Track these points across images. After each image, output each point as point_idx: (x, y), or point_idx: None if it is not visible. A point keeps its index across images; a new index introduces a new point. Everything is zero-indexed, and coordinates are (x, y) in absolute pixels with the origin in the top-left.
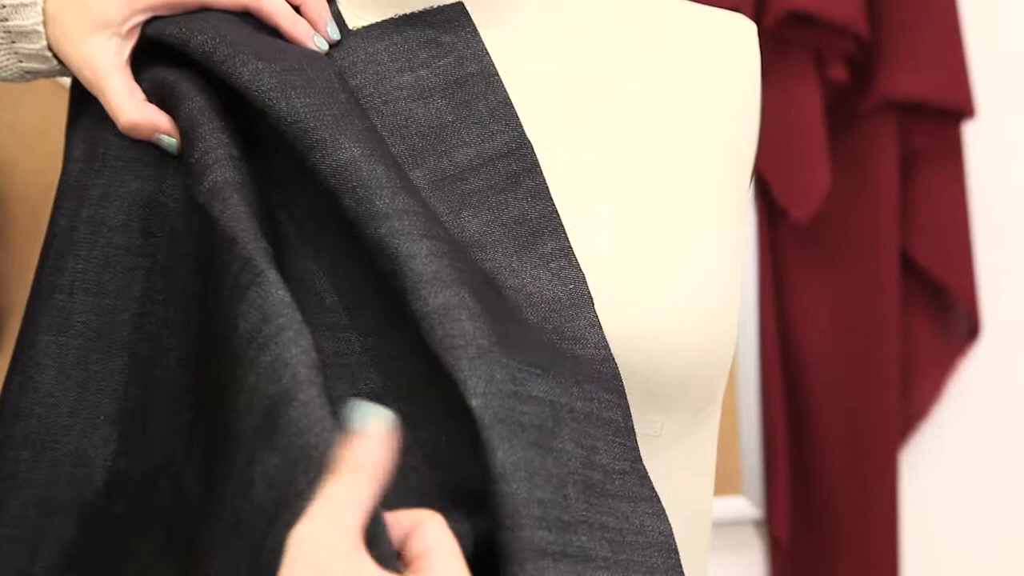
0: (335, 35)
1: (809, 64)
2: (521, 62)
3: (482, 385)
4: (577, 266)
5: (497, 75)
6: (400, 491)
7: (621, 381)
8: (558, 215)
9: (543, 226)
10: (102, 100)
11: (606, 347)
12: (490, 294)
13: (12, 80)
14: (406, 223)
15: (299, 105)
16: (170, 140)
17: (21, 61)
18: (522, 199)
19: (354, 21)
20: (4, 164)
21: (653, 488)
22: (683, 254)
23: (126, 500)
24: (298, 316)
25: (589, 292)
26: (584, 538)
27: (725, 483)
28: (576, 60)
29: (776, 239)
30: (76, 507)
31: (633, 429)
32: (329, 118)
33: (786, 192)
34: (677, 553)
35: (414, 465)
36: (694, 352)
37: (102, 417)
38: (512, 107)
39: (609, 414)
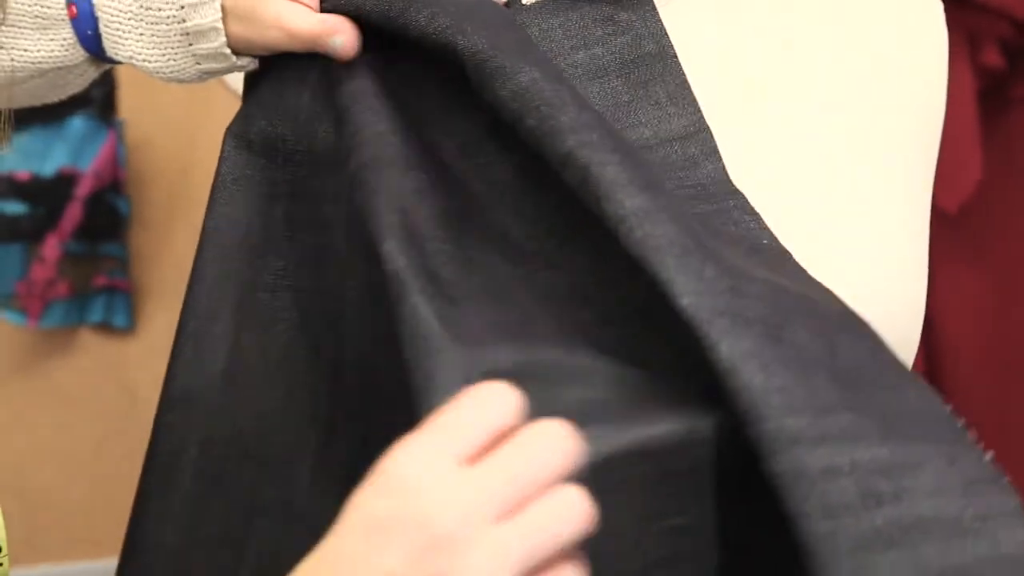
0: None
1: (962, 48)
2: (699, 40)
3: (692, 283)
4: (767, 228)
5: (675, 56)
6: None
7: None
8: (741, 193)
9: (727, 197)
10: (285, 33)
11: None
12: (685, 211)
13: (189, 81)
14: (595, 136)
15: (476, 39)
16: (339, 39)
17: (199, 63)
18: (703, 179)
19: None
20: (142, 144)
21: (916, 376)
22: (867, 237)
23: (334, 500)
24: (420, 289)
25: (783, 247)
26: (846, 420)
27: None
28: (754, 38)
29: None
30: (280, 507)
31: (878, 333)
32: (507, 47)
33: (935, 181)
34: (964, 429)
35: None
36: (883, 330)
37: (305, 417)
38: (690, 89)
39: (846, 313)
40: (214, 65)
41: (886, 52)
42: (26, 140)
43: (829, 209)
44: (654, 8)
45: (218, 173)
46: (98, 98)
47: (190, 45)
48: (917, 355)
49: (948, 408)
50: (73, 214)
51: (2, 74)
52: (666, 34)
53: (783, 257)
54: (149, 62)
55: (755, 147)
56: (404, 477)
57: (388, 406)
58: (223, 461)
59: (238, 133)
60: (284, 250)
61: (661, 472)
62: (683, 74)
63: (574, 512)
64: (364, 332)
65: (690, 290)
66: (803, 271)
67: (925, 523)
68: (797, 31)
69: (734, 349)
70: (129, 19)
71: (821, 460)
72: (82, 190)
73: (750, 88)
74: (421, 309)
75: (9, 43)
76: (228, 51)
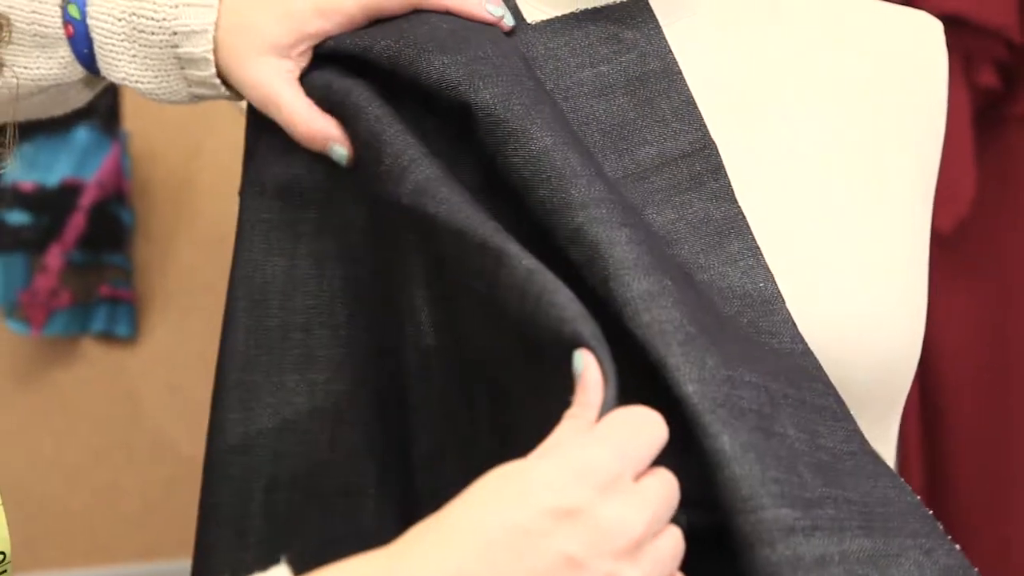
0: (500, 13)
1: (958, 68)
2: (703, 59)
3: (695, 371)
4: (765, 266)
5: (680, 73)
6: None
7: (824, 372)
8: (743, 216)
9: (728, 226)
10: (276, 116)
11: (803, 342)
12: (686, 284)
13: (181, 103)
14: (603, 211)
15: (487, 96)
16: (341, 151)
17: (191, 86)
18: (706, 200)
19: (533, 15)
20: (148, 156)
21: (888, 467)
22: (868, 258)
23: (397, 527)
24: (551, 275)
25: (779, 290)
26: (831, 511)
27: None
28: (757, 57)
29: None
30: (353, 538)
31: (851, 415)
32: (519, 107)
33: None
34: (933, 519)
35: None
36: (879, 359)
37: (360, 448)
38: (695, 106)
39: (822, 401)
40: (205, 91)
41: (887, 73)
42: (31, 151)
43: (827, 231)
44: (658, 27)
45: (240, 222)
46: (102, 109)
47: (182, 69)
48: (914, 383)
49: (916, 498)
50: (77, 224)
51: (6, 90)
52: (670, 52)
53: (774, 312)
54: (142, 83)
55: (754, 170)
56: (598, 471)
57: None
58: (289, 504)
59: (253, 180)
60: (313, 288)
61: None
62: (688, 90)
63: (677, 551)
64: (444, 345)
65: (693, 378)
66: (790, 329)
67: None
68: (797, 52)
69: (735, 440)
70: (122, 40)
71: (816, 549)
72: (86, 200)
73: (748, 110)
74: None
75: (11, 60)
76: (217, 81)
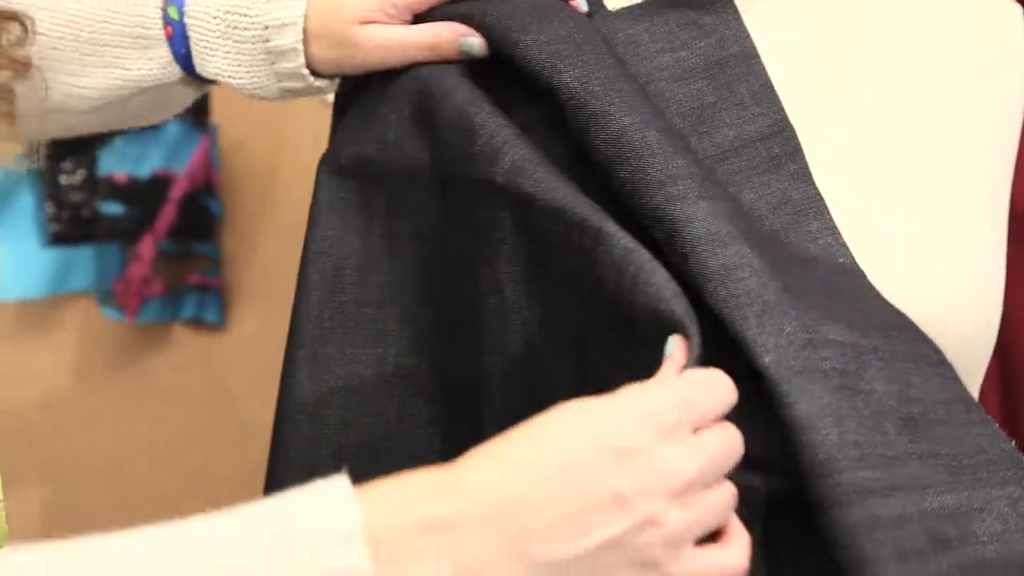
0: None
1: None
2: (783, 40)
3: (772, 340)
4: (844, 244)
5: (758, 56)
6: None
7: (916, 325)
8: (821, 197)
9: (807, 207)
10: (395, 52)
11: (890, 304)
12: (768, 250)
13: (271, 99)
14: (680, 187)
15: (568, 79)
16: (473, 41)
17: (280, 81)
18: (785, 181)
19: (612, 2)
20: (235, 147)
21: (984, 412)
22: (944, 237)
23: None
24: (647, 254)
25: (859, 266)
26: (915, 468)
27: None
28: (835, 36)
29: None
30: None
31: (947, 361)
32: (598, 88)
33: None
34: None
35: None
36: (958, 337)
37: (425, 418)
38: (773, 89)
39: (916, 349)
40: (293, 84)
41: (966, 57)
42: (124, 144)
43: (904, 209)
44: (736, 11)
45: (315, 200)
46: (192, 103)
47: (272, 64)
48: (993, 359)
49: (1011, 445)
50: (168, 215)
51: (111, 94)
52: (748, 35)
53: (858, 279)
54: (234, 79)
55: (833, 149)
56: (660, 417)
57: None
58: (356, 471)
59: (330, 160)
60: (385, 265)
61: None
62: (766, 74)
63: (728, 504)
64: (518, 320)
65: (771, 347)
66: (876, 293)
67: (988, 565)
68: (874, 30)
69: (811, 406)
70: (217, 37)
71: (894, 509)
72: (176, 192)
73: (828, 89)
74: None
75: (114, 62)
76: (306, 71)
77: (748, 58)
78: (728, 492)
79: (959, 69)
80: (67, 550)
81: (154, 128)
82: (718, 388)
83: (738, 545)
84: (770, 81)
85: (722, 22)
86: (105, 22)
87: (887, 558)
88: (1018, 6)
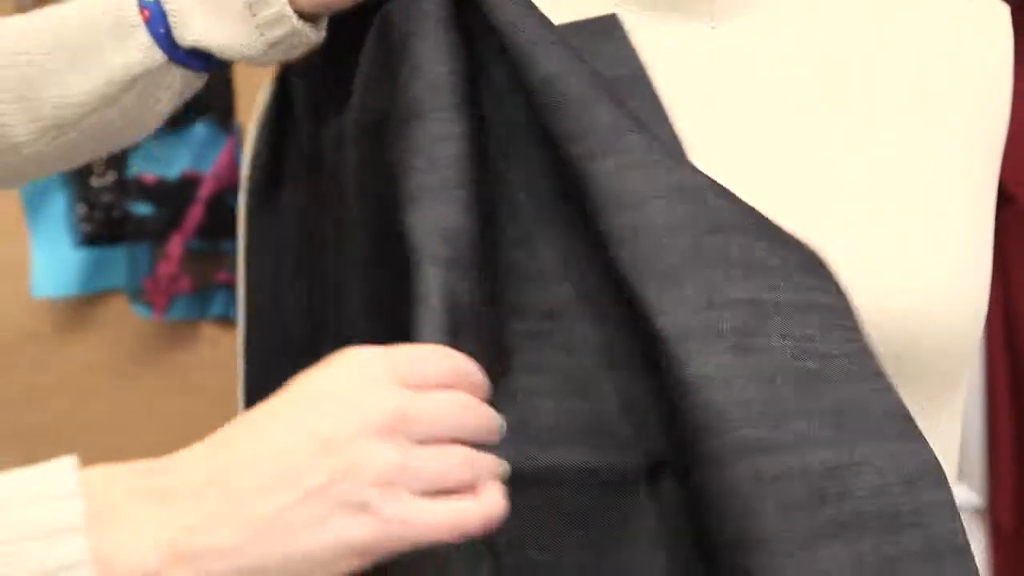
0: None
1: None
2: (759, 56)
3: (670, 303)
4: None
5: (646, 78)
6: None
7: (832, 271)
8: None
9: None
10: None
11: (814, 245)
12: (691, 203)
13: (258, 59)
14: (591, 143)
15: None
16: None
17: (263, 33)
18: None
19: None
20: None
21: (880, 365)
22: (930, 235)
23: None
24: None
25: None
26: (802, 425)
27: None
28: (815, 49)
29: (1002, 225)
30: None
31: (854, 312)
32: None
33: (1013, 177)
34: (910, 419)
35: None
36: (940, 331)
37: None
38: (660, 105)
39: (826, 299)
40: (278, 32)
41: (950, 56)
42: (153, 146)
43: (889, 202)
44: (625, 37)
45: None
46: (218, 106)
47: (253, 16)
48: (998, 346)
49: (897, 398)
50: (196, 214)
51: (98, 93)
52: (637, 58)
53: (764, 222)
54: (214, 40)
55: (823, 142)
56: (365, 369)
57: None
58: None
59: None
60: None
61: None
62: (654, 93)
63: (453, 459)
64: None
65: (667, 309)
66: (785, 235)
67: (865, 519)
68: (859, 32)
69: (699, 371)
70: (191, 4)
71: (776, 467)
72: (204, 192)
73: (814, 92)
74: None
75: (96, 60)
76: (289, 11)
77: (636, 79)
78: (453, 453)
79: (942, 65)
80: None
81: (183, 130)
82: (437, 357)
83: (479, 501)
84: (658, 98)
85: (613, 46)
86: (79, 23)
87: (769, 513)
88: (1006, 7)
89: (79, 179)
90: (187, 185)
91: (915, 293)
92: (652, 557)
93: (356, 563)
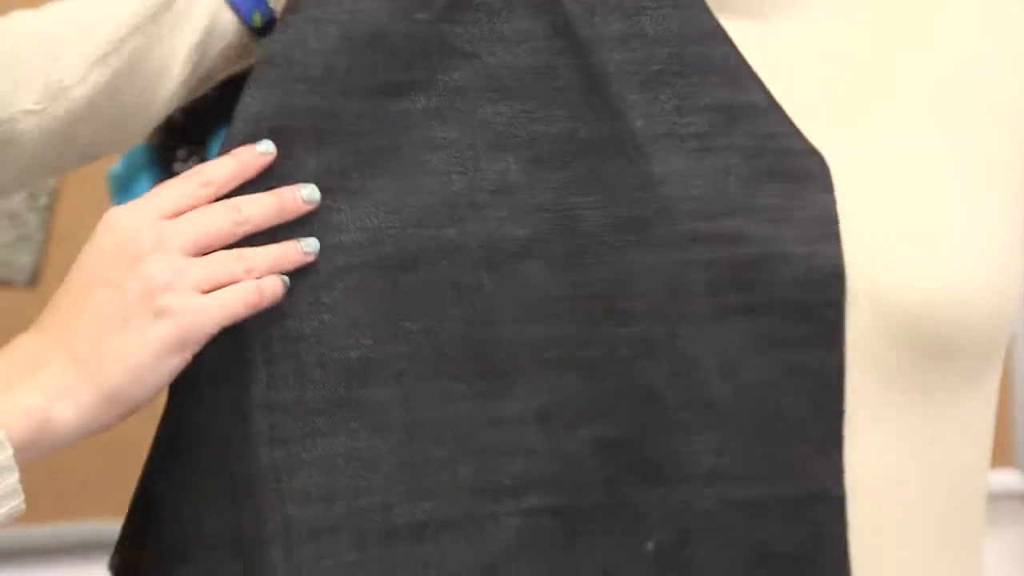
0: None
1: None
2: (799, 49)
3: (644, 106)
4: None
5: (723, 34)
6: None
7: None
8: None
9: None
10: None
11: None
12: (682, 14)
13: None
14: None
15: None
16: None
17: None
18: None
19: None
20: None
21: (827, 167)
22: (968, 220)
23: None
24: None
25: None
26: (739, 221)
27: (996, 455)
28: (855, 41)
29: None
30: None
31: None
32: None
33: None
34: (836, 223)
35: None
36: (973, 309)
37: None
38: (745, 66)
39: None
40: None
41: (996, 53)
42: (214, 141)
43: (929, 185)
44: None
45: None
46: None
47: None
48: None
49: (831, 204)
50: None
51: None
52: (710, 14)
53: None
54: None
55: (866, 127)
56: (120, 221)
57: None
58: None
59: None
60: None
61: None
62: (734, 49)
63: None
64: None
65: (643, 113)
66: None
67: (775, 304)
68: (913, 19)
69: (664, 168)
70: None
71: (709, 255)
72: None
73: (863, 79)
74: None
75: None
76: None
77: (709, 34)
78: (220, 255)
79: (983, 57)
80: None
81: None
82: (179, 183)
83: (242, 287)
84: (740, 57)
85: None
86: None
87: (696, 292)
88: None
89: (163, 164)
90: None
91: (944, 272)
92: None
93: (181, 357)
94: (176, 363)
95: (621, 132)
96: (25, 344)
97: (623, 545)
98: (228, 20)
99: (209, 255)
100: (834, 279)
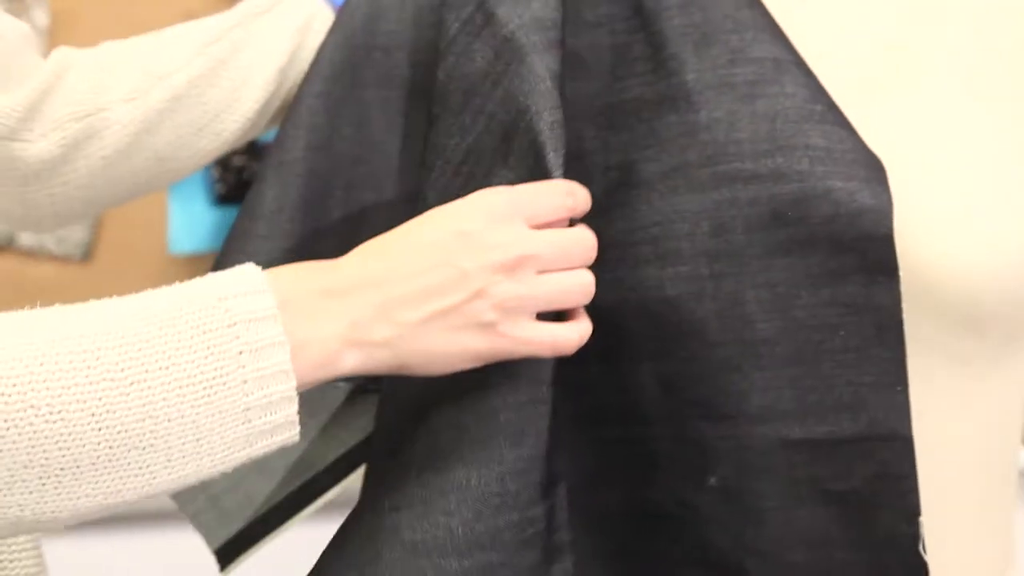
0: None
1: None
2: (823, 27)
3: (696, 61)
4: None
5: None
6: None
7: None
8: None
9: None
10: None
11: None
12: None
13: None
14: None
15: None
16: None
17: None
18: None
19: None
20: None
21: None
22: (1001, 188)
23: None
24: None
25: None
26: (781, 160)
27: None
28: (879, 19)
29: None
30: None
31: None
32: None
33: None
34: (884, 171)
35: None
36: (1009, 282)
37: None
38: (776, 26)
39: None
40: None
41: (1015, 22)
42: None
43: (964, 161)
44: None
45: None
46: None
47: None
48: None
49: (869, 152)
50: None
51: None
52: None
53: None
54: None
55: (892, 109)
56: (492, 209)
57: None
58: None
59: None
60: None
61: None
62: (768, 13)
63: (570, 286)
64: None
65: (695, 67)
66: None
67: (816, 240)
68: (925, 3)
69: (711, 115)
70: None
71: (750, 194)
72: None
73: (888, 53)
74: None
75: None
76: None
77: (756, 3)
78: (572, 279)
79: (1014, 36)
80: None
81: None
82: (552, 194)
83: (574, 326)
84: (772, 18)
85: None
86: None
87: (739, 230)
88: None
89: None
90: None
91: (984, 243)
92: None
93: (473, 364)
94: (465, 365)
95: (675, 88)
96: (343, 267)
97: (689, 477)
98: (325, 21)
99: (551, 282)
100: (881, 215)
